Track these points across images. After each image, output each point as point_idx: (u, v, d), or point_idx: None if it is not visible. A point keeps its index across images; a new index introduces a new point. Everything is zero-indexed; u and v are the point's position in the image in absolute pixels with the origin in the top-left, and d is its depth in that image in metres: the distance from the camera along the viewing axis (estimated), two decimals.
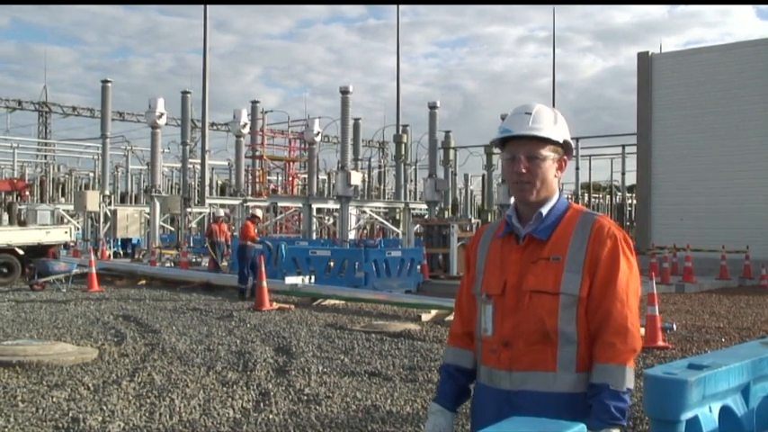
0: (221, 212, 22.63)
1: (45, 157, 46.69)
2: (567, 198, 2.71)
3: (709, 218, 23.27)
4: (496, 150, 34.03)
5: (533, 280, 2.38)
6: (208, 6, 26.72)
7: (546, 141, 2.43)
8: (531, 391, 2.36)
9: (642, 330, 9.70)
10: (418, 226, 26.06)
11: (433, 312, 12.46)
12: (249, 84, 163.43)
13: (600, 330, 2.34)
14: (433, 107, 27.57)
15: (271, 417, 6.14)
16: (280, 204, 31.68)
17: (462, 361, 2.60)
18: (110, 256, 25.60)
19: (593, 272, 2.35)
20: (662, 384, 2.48)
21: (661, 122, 24.88)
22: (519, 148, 2.43)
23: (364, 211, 33.98)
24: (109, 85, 27.72)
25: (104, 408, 6.33)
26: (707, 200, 23.47)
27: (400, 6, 33.72)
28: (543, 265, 2.38)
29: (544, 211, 2.43)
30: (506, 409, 2.34)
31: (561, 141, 2.46)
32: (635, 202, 33.03)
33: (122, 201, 41.44)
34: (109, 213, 28.09)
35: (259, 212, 16.99)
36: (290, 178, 39.39)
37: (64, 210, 33.00)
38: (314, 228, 29.77)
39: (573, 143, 2.63)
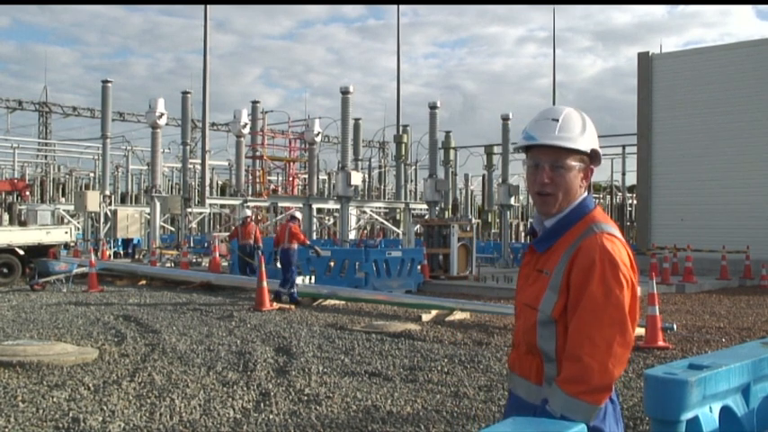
0: (248, 212, 20.21)
1: (45, 157, 46.71)
2: (596, 203, 2.59)
3: (709, 218, 23.27)
4: (497, 150, 34.06)
5: (525, 292, 2.40)
6: (208, 6, 26.72)
7: (572, 151, 2.32)
8: (519, 397, 2.41)
9: (642, 330, 9.83)
10: (418, 226, 26.05)
11: (434, 313, 12.46)
12: (249, 84, 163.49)
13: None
14: (433, 107, 27.54)
15: (271, 417, 6.14)
16: (280, 204, 31.67)
17: None
18: (110, 256, 25.58)
19: (567, 292, 2.25)
20: (662, 384, 2.48)
21: (661, 122, 24.87)
22: (544, 156, 2.34)
23: (364, 212, 33.98)
24: (109, 85, 27.70)
25: (105, 408, 6.34)
26: (707, 200, 23.47)
27: (400, 6, 33.74)
28: (535, 278, 2.36)
29: (549, 223, 2.37)
30: (511, 408, 2.40)
31: (588, 151, 2.35)
32: (635, 202, 33.03)
33: (123, 201, 41.47)
34: (109, 213, 28.08)
35: (298, 214, 16.35)
36: (291, 178, 39.36)
37: (64, 210, 33.01)
38: (314, 228, 29.76)
39: None
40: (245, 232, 19.17)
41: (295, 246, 14.73)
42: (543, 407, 2.24)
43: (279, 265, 15.29)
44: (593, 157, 2.38)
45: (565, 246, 2.30)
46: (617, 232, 2.31)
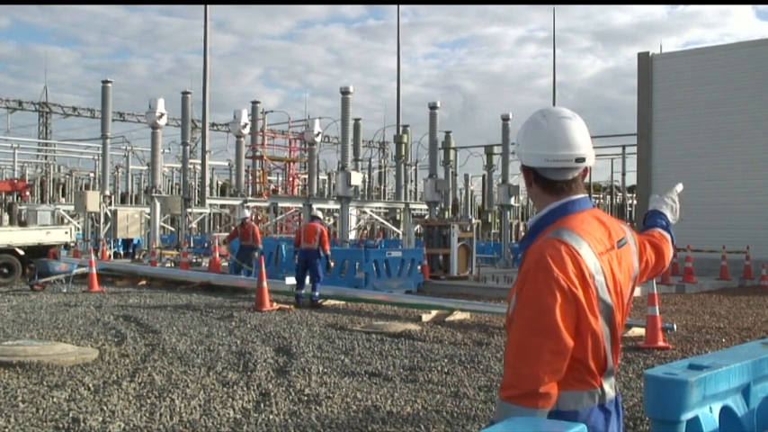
0: (247, 213, 19.88)
1: (45, 157, 46.70)
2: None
3: (709, 218, 23.25)
4: (497, 151, 34.03)
5: (511, 290, 2.39)
6: (208, 6, 26.72)
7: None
8: None
9: (642, 330, 9.84)
10: (418, 226, 26.06)
11: (434, 313, 12.46)
12: (249, 84, 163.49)
13: None
14: (433, 107, 27.55)
15: (271, 417, 6.14)
16: (280, 205, 31.68)
17: None
18: (110, 256, 25.58)
19: None
20: (662, 385, 2.48)
21: (661, 122, 24.87)
22: None
23: (365, 212, 34.00)
24: (109, 85, 27.71)
25: (105, 408, 6.34)
26: (707, 200, 23.45)
27: (400, 6, 33.76)
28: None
29: (529, 224, 2.44)
30: None
31: (516, 152, 2.44)
32: (635, 202, 33.04)
33: (123, 201, 41.46)
34: (109, 214, 28.08)
35: (319, 213, 16.22)
36: (291, 178, 39.38)
37: (64, 210, 33.01)
38: None
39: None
40: (243, 233, 18.90)
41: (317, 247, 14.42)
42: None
43: (297, 264, 14.75)
44: (528, 161, 2.38)
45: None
46: (573, 239, 2.21)
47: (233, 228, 20.28)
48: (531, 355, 2.12)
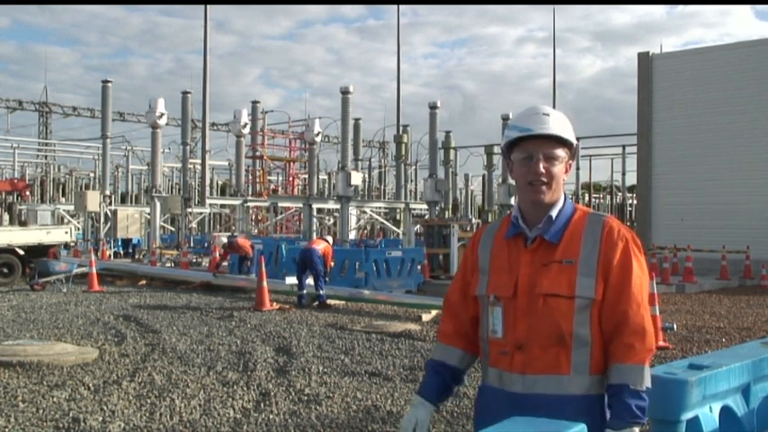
0: (223, 239, 21.95)
1: (45, 157, 46.69)
2: (571, 198, 2.69)
3: (709, 218, 23.25)
4: (497, 150, 33.99)
5: (547, 283, 2.35)
6: (208, 6, 26.72)
7: (563, 143, 2.40)
8: (544, 395, 2.34)
9: None
10: (419, 226, 26.04)
11: (434, 312, 12.46)
12: (249, 84, 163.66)
13: (617, 332, 2.31)
14: (433, 107, 27.55)
15: (271, 417, 6.14)
16: (280, 204, 31.68)
17: (450, 358, 2.67)
18: (110, 256, 25.57)
19: (606, 275, 2.33)
20: (663, 384, 2.48)
21: (661, 122, 24.87)
22: (537, 147, 2.38)
23: (365, 212, 33.97)
24: (109, 85, 27.73)
25: (105, 408, 6.33)
26: (707, 200, 23.46)
27: (400, 6, 33.76)
28: (556, 269, 2.35)
29: (553, 213, 2.40)
30: (519, 412, 2.29)
31: (574, 144, 2.46)
32: (635, 202, 33.04)
33: (123, 201, 41.47)
34: (109, 213, 28.08)
35: (330, 239, 16.93)
36: (291, 178, 39.39)
37: (64, 210, 33.01)
38: (314, 228, 29.75)
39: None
40: (234, 250, 19.81)
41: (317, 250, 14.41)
42: (623, 389, 2.26)
43: (297, 265, 14.79)
44: (573, 153, 2.49)
45: (578, 234, 2.38)
46: None
47: (224, 250, 21.13)
48: (648, 314, 2.38)
